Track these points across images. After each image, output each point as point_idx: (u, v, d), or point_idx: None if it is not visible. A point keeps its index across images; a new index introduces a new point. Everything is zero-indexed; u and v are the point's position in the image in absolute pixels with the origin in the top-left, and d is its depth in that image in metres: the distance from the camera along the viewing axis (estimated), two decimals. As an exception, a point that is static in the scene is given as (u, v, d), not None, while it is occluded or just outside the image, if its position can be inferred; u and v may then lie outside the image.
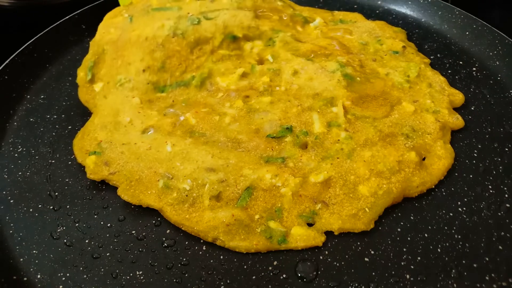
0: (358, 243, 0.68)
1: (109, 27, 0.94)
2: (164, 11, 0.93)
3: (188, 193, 0.71)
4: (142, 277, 0.64)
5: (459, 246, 0.67)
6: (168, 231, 0.70)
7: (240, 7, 0.97)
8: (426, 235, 0.69)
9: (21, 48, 0.96)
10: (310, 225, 0.69)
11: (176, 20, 0.91)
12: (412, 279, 0.64)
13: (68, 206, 0.73)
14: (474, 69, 0.97)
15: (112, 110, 0.84)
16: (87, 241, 0.68)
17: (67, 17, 1.06)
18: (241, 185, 0.71)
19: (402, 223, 0.70)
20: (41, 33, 1.00)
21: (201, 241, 0.68)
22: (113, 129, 0.81)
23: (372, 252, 0.67)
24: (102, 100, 0.86)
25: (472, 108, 0.88)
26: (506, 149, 0.81)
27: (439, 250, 0.67)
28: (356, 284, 0.63)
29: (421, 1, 1.13)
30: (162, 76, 0.89)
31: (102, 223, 0.71)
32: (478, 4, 1.21)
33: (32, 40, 0.98)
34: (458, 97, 0.88)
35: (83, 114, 0.88)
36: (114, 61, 0.90)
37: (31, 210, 0.73)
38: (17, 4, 1.19)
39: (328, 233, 0.68)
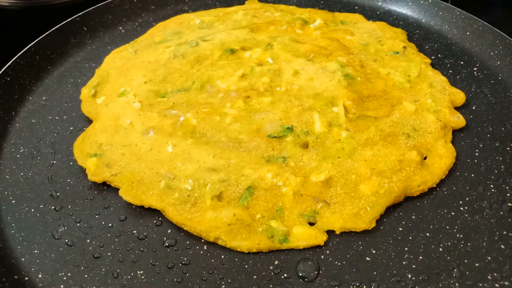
0: (360, 243, 0.67)
1: (115, 58, 1.00)
2: (165, 42, 1.03)
3: (190, 193, 0.71)
4: (143, 277, 0.64)
5: (461, 246, 0.67)
6: (169, 230, 0.70)
7: (235, 28, 1.04)
8: (427, 234, 0.68)
9: (23, 50, 0.96)
10: (311, 224, 0.69)
11: (176, 46, 0.99)
12: (413, 278, 0.63)
13: (69, 206, 0.73)
14: (475, 69, 0.97)
15: (113, 115, 0.85)
16: (88, 241, 0.68)
17: (68, 19, 1.07)
18: (242, 184, 0.71)
19: (403, 222, 0.70)
20: (43, 35, 1.01)
21: (202, 240, 0.68)
22: (114, 131, 0.82)
23: (374, 251, 0.66)
24: (103, 108, 0.87)
25: (473, 108, 0.88)
26: (508, 148, 0.80)
27: (441, 249, 0.66)
28: (358, 284, 0.63)
29: (422, 2, 1.13)
30: (163, 86, 0.91)
31: (103, 223, 0.71)
32: (478, 4, 1.22)
33: (34, 42, 0.99)
34: (459, 96, 0.88)
35: (85, 115, 0.88)
36: (118, 79, 0.93)
37: (32, 210, 0.73)
38: (18, 5, 1.20)
39: (330, 233, 0.68)
